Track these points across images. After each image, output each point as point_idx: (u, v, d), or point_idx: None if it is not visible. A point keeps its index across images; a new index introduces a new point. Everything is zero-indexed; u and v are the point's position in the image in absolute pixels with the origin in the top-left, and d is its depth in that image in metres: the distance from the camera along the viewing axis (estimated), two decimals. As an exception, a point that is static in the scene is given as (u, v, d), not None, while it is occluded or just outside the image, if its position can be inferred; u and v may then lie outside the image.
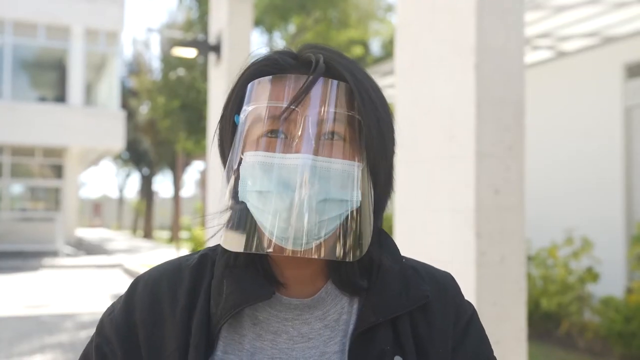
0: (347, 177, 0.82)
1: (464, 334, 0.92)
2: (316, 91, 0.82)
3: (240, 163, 0.84)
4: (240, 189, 0.83)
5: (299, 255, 0.79)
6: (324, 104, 0.82)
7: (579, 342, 6.49)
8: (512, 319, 2.57)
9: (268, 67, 0.88)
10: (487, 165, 2.52)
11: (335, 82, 0.84)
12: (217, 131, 0.92)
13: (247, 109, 0.85)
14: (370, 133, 0.85)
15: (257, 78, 0.87)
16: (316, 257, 0.80)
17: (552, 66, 8.37)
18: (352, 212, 0.82)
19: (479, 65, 2.52)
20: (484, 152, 2.52)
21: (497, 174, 2.55)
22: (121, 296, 0.94)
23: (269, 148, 0.82)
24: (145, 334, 0.88)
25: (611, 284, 6.95)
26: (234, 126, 0.88)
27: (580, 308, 6.57)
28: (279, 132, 0.82)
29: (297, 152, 0.80)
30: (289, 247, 0.79)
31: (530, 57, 8.14)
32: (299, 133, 0.81)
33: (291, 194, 0.78)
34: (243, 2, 6.40)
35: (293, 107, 0.81)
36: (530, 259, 7.08)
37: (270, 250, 0.81)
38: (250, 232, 0.83)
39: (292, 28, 16.89)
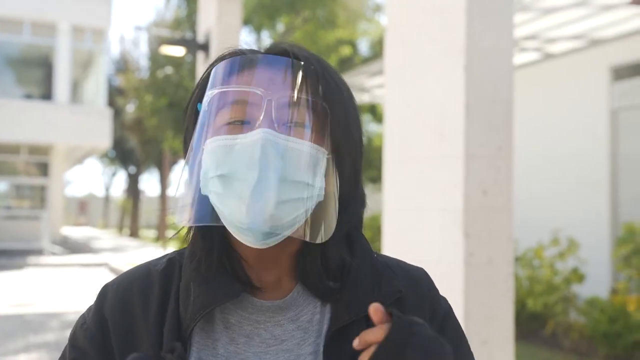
0: (309, 160, 0.80)
1: (440, 330, 0.90)
2: (280, 72, 0.81)
3: (201, 152, 0.82)
4: (202, 178, 0.81)
5: (259, 236, 0.78)
6: (289, 86, 0.81)
7: (565, 342, 6.54)
8: (500, 319, 2.58)
9: (234, 55, 0.87)
10: (476, 166, 2.53)
11: (299, 63, 0.83)
12: (184, 122, 0.91)
13: (208, 93, 0.84)
14: (334, 117, 0.83)
15: None
16: (280, 235, 0.79)
17: (539, 68, 8.42)
18: (314, 197, 0.80)
19: (468, 65, 2.53)
20: (473, 153, 2.52)
21: (486, 175, 2.56)
22: (91, 306, 0.92)
23: (230, 131, 0.80)
24: (119, 342, 0.86)
25: (596, 284, 7.00)
26: (197, 114, 0.86)
27: (565, 308, 6.62)
28: (240, 115, 0.81)
29: (258, 129, 0.78)
30: (252, 226, 0.77)
31: (518, 58, 8.18)
32: (262, 115, 0.79)
33: (251, 172, 0.76)
34: (232, 1, 6.37)
35: (259, 91, 0.80)
36: (516, 259, 7.12)
37: (234, 234, 0.80)
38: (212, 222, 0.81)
39: (280, 27, 16.87)
